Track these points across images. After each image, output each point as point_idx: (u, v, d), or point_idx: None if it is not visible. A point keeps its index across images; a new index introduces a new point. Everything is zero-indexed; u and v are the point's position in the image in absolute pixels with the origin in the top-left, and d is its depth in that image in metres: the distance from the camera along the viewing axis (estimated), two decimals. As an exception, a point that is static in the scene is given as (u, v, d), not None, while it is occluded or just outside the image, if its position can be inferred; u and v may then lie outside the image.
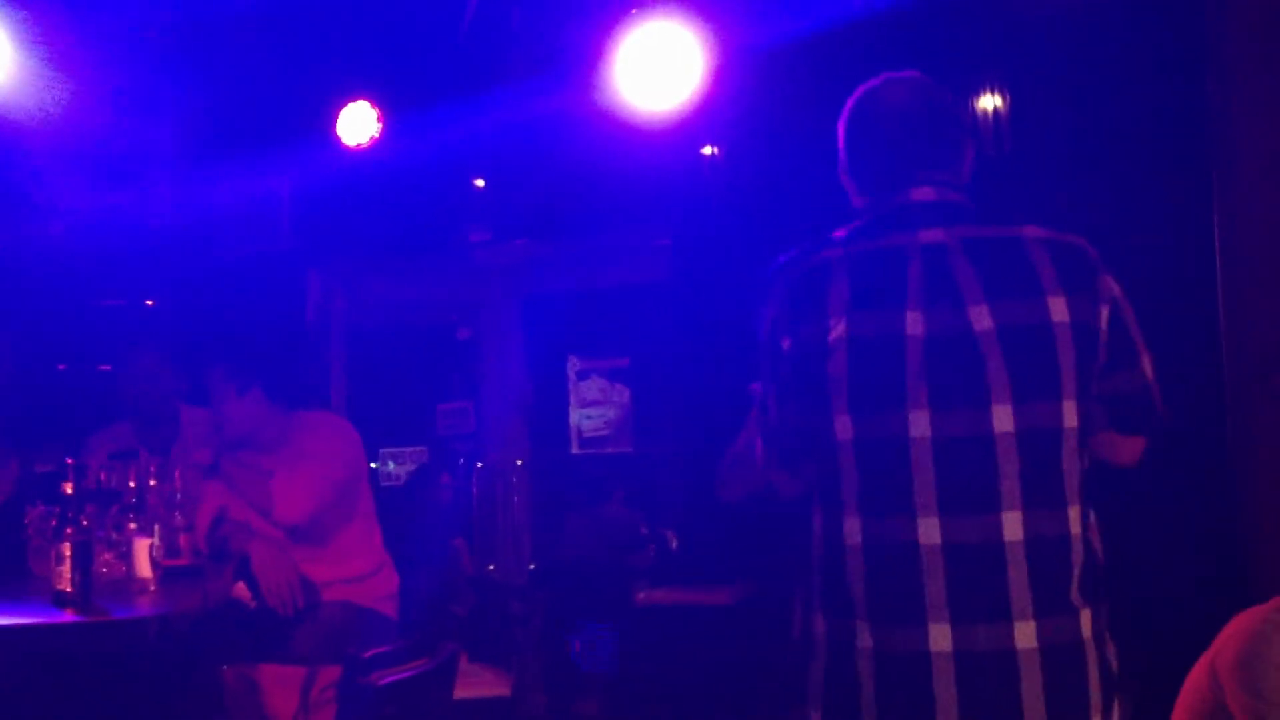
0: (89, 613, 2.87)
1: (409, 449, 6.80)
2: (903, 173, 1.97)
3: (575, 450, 6.73)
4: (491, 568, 6.27)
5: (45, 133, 4.78)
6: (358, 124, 5.18)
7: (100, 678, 2.83)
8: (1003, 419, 1.79)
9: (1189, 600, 3.52)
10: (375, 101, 5.14)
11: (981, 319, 1.82)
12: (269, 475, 3.61)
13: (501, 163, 5.86)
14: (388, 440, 6.76)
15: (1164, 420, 1.90)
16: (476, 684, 4.43)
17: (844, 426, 1.84)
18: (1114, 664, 1.85)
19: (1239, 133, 3.86)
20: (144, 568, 3.20)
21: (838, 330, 1.85)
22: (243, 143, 5.43)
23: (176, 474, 3.50)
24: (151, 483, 3.43)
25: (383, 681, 2.60)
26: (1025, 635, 1.76)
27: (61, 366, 5.88)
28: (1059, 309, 1.82)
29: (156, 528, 3.30)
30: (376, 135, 5.14)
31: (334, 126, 5.19)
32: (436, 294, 6.81)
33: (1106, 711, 1.81)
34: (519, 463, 6.56)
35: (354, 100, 5.17)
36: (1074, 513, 1.81)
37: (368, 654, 2.74)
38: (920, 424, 1.80)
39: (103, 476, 3.49)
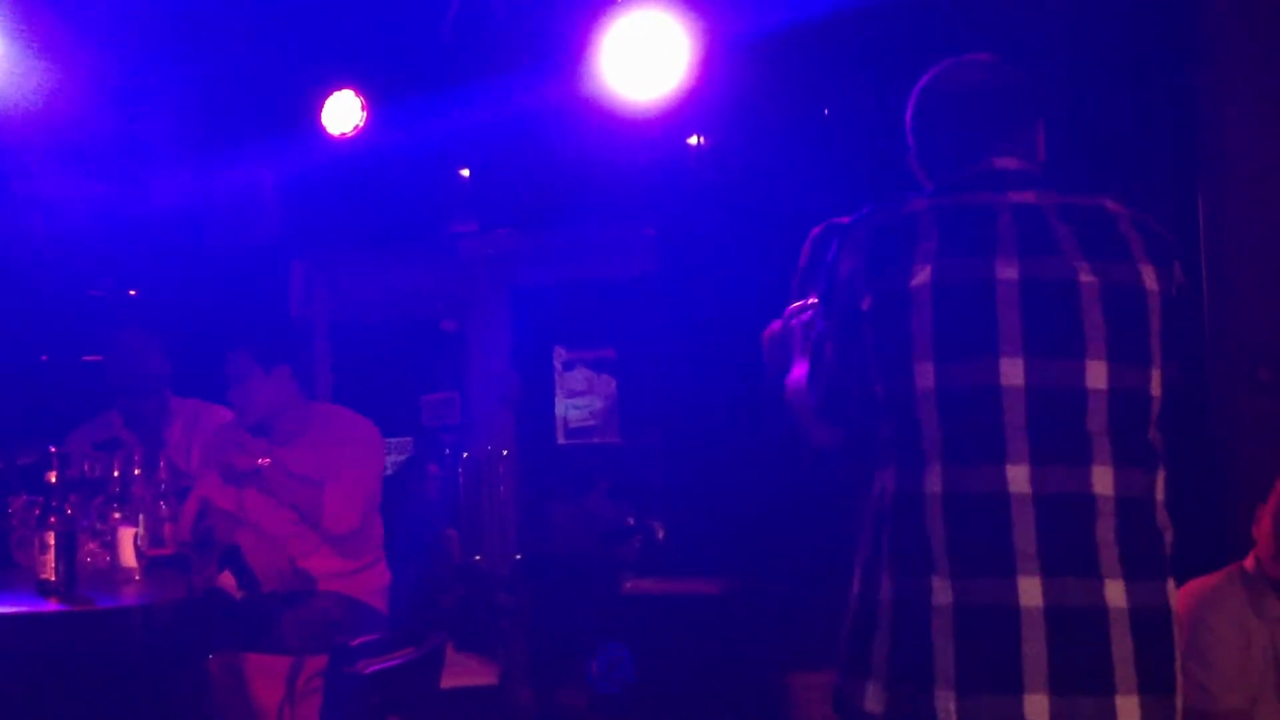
0: (73, 602, 2.86)
1: (394, 440, 6.78)
2: (984, 144, 1.94)
3: (561, 441, 6.73)
4: (478, 558, 6.27)
5: (27, 123, 4.74)
6: (342, 113, 5.15)
7: (85, 668, 2.82)
8: (1096, 374, 1.74)
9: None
10: (360, 91, 5.12)
11: (1085, 272, 1.77)
12: (319, 486, 3.61)
13: (487, 153, 5.84)
14: (373, 432, 6.73)
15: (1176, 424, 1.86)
16: (463, 673, 4.43)
17: (924, 374, 1.76)
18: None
19: (1225, 131, 3.88)
20: (128, 557, 3.19)
21: (921, 276, 1.77)
22: (226, 133, 5.40)
23: (162, 463, 3.49)
24: (136, 472, 3.42)
25: (369, 670, 2.59)
26: (1115, 593, 1.70)
27: (45, 357, 5.85)
28: (1150, 277, 1.80)
29: (141, 517, 3.28)
30: (361, 125, 5.11)
31: (318, 116, 5.17)
32: (421, 285, 6.79)
33: (1180, 693, 1.75)
34: (505, 453, 6.55)
35: (338, 89, 5.14)
36: (1160, 479, 1.78)
37: (354, 643, 2.73)
38: (1014, 371, 1.73)
39: (86, 466, 3.48)
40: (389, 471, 6.64)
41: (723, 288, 5.06)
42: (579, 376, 6.76)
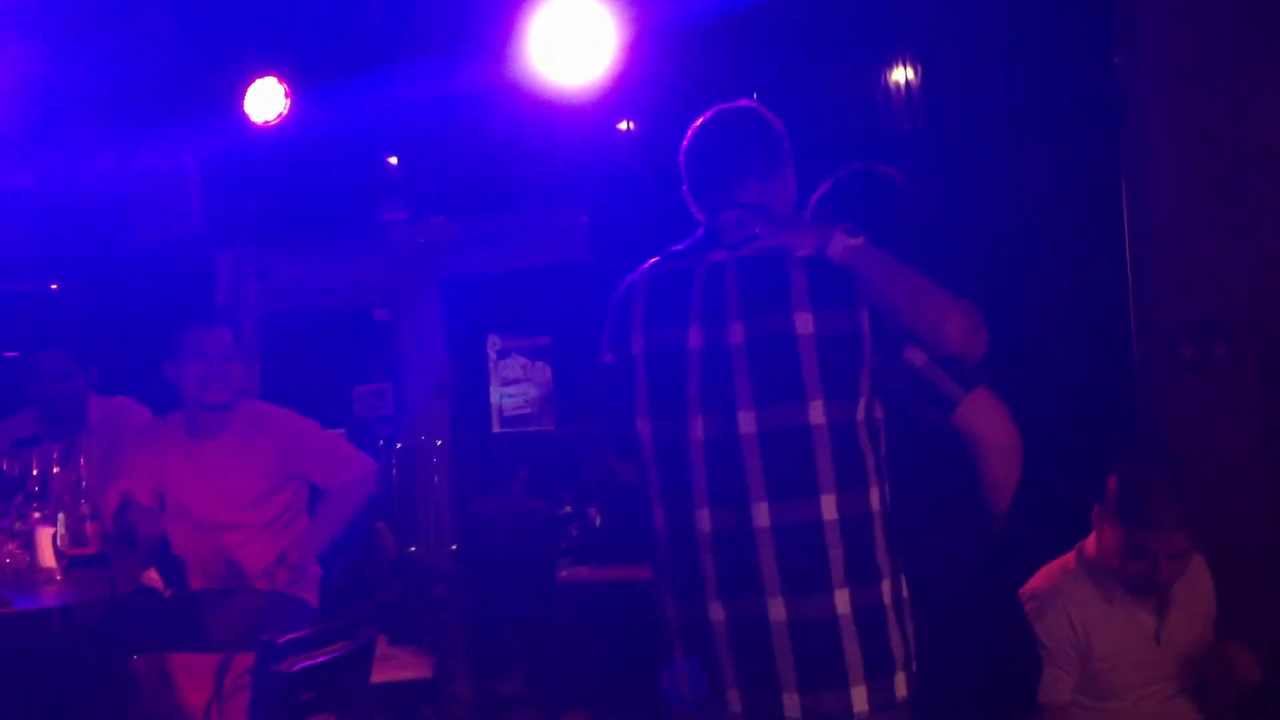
0: (-10, 605, 2.79)
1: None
2: (710, 200, 2.24)
3: (497, 429, 6.68)
4: (413, 549, 6.21)
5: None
6: (265, 101, 5.06)
7: (5, 671, 2.76)
8: (746, 422, 2.03)
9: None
10: (283, 77, 5.03)
11: (735, 334, 2.07)
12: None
13: (415, 140, 5.77)
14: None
15: (951, 401, 2.12)
16: (399, 667, 4.39)
17: (645, 430, 2.15)
18: (889, 645, 2.04)
19: (1146, 109, 3.93)
20: (48, 557, 3.12)
21: (637, 346, 2.18)
22: (147, 121, 5.30)
23: (81, 461, 3.41)
24: (55, 470, 3.34)
25: (296, 667, 2.55)
26: (776, 609, 2.01)
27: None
28: (804, 322, 2.03)
29: (61, 516, 3.21)
30: (285, 112, 5.03)
31: (241, 103, 5.08)
32: (352, 274, 6.69)
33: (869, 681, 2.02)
34: (439, 443, 6.49)
35: (261, 76, 5.05)
36: (828, 500, 2.02)
37: (282, 639, 2.68)
38: (696, 428, 2.07)
39: (4, 464, 3.39)
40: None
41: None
42: (514, 364, 6.70)
